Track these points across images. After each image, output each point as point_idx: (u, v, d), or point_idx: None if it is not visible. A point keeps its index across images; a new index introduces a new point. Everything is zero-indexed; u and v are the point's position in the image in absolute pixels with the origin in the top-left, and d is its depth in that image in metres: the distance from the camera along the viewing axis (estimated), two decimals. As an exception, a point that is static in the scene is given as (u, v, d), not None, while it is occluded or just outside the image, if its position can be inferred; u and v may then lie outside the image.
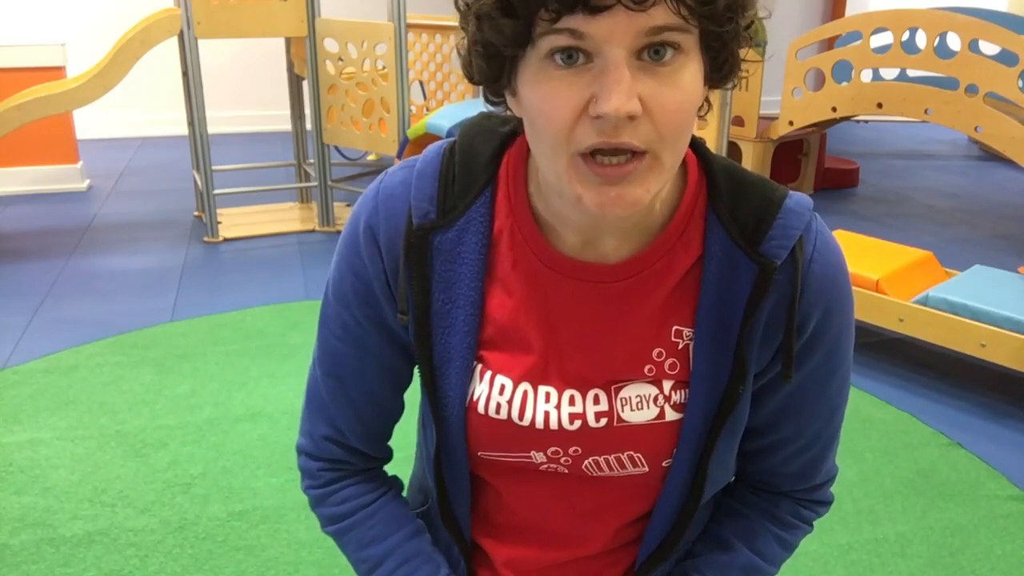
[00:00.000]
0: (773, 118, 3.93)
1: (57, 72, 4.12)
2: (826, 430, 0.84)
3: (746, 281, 0.73)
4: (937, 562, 1.80)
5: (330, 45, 3.65)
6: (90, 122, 5.20)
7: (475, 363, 0.78)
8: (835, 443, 0.86)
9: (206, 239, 3.72)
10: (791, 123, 3.73)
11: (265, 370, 2.56)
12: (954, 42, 3.13)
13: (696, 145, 0.77)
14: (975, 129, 3.08)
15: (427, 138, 3.17)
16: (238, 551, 1.79)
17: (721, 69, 0.68)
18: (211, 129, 3.73)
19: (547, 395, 0.77)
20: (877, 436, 2.27)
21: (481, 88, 0.73)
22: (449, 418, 0.79)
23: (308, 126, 4.02)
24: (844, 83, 3.47)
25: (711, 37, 0.64)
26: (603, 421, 0.76)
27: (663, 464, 0.78)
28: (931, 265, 2.73)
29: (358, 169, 4.62)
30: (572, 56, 0.62)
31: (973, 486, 2.06)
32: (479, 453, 0.81)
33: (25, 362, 2.59)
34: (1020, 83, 2.93)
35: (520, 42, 0.63)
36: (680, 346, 0.76)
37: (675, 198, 0.75)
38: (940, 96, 3.16)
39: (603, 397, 0.77)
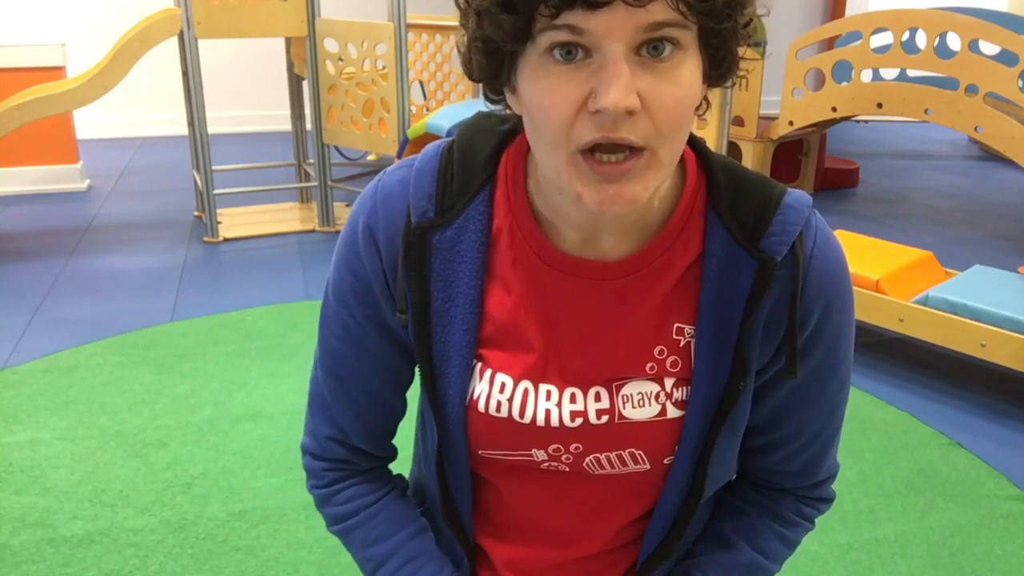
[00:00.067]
0: (773, 118, 3.93)
1: (57, 72, 4.12)
2: (827, 427, 0.84)
3: (746, 278, 0.73)
4: (937, 562, 1.80)
5: (330, 45, 3.65)
6: (90, 122, 5.20)
7: (475, 361, 0.78)
8: (836, 440, 0.86)
9: (206, 239, 3.72)
10: (791, 123, 3.73)
11: (265, 370, 2.56)
12: (954, 42, 3.13)
13: (695, 143, 0.77)
14: (975, 129, 3.08)
15: (427, 138, 3.17)
16: (238, 551, 1.79)
17: (720, 67, 0.68)
18: (211, 129, 3.74)
19: (548, 393, 0.77)
20: (877, 436, 2.27)
21: (481, 88, 0.73)
22: (449, 417, 0.79)
23: (308, 126, 4.02)
24: (844, 83, 3.47)
25: (710, 34, 0.64)
26: (604, 418, 0.77)
27: (664, 461, 0.79)
28: (931, 265, 2.73)
29: (358, 169, 4.62)
30: (571, 52, 0.62)
31: (973, 486, 2.06)
32: (480, 452, 0.81)
33: (25, 362, 2.59)
34: (1020, 83, 2.93)
35: (520, 38, 0.63)
36: (682, 343, 0.76)
37: (674, 196, 0.75)
38: (940, 96, 3.16)
39: (604, 394, 0.77)
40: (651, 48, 0.61)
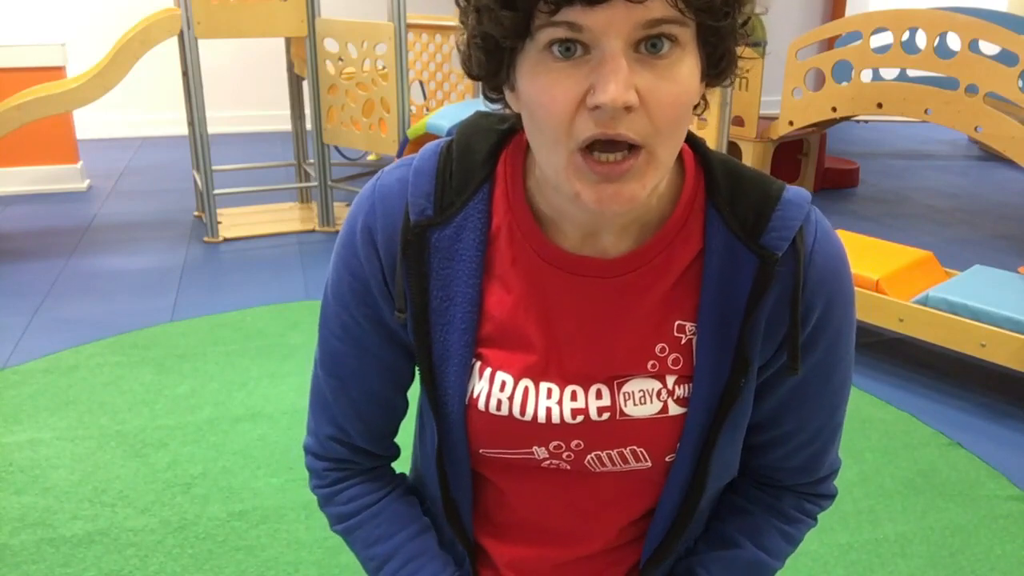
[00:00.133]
0: (773, 118, 3.93)
1: (57, 72, 4.12)
2: (829, 423, 0.84)
3: (747, 274, 0.74)
4: (937, 562, 1.80)
5: (330, 45, 3.65)
6: (90, 122, 5.20)
7: (474, 360, 0.78)
8: (838, 436, 0.86)
9: (206, 239, 3.72)
10: (791, 123, 3.73)
11: (265, 370, 2.56)
12: (954, 42, 3.13)
13: (693, 141, 0.77)
14: (975, 129, 3.08)
15: (427, 138, 3.17)
16: (238, 551, 1.79)
17: (718, 65, 0.68)
18: (211, 129, 3.74)
19: (549, 391, 0.77)
20: (877, 436, 2.27)
21: (481, 88, 0.73)
22: (449, 416, 0.79)
23: (308, 126, 4.02)
24: (844, 83, 3.47)
25: (708, 32, 0.65)
26: (605, 415, 0.77)
27: (666, 459, 0.78)
28: (931, 265, 2.73)
29: (358, 169, 4.62)
30: (570, 49, 0.62)
31: (973, 486, 2.06)
32: (480, 450, 0.81)
33: (25, 362, 2.59)
34: (1020, 83, 2.92)
35: (519, 34, 0.63)
36: (683, 341, 0.76)
37: (673, 193, 0.76)
38: (940, 96, 3.15)
39: (605, 391, 0.77)
40: (649, 45, 0.62)
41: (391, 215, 0.77)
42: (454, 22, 0.72)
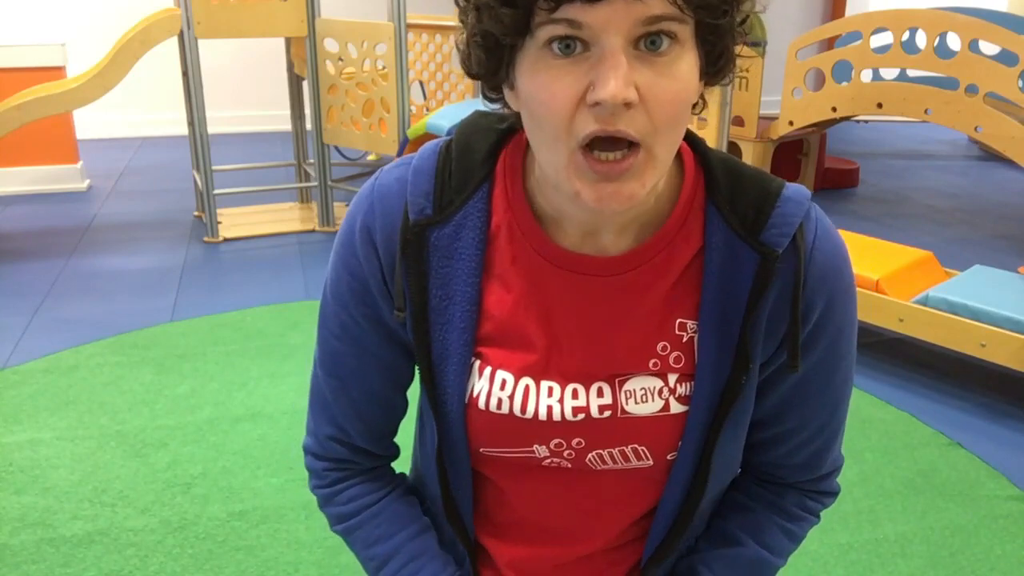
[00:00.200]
0: (773, 118, 3.93)
1: (57, 72, 4.12)
2: (831, 421, 0.84)
3: (748, 272, 0.74)
4: (937, 562, 1.80)
5: (330, 45, 3.65)
6: (90, 122, 5.20)
7: (473, 359, 0.78)
8: (840, 434, 0.86)
9: (206, 239, 3.72)
10: (791, 123, 3.73)
11: (265, 370, 2.56)
12: (954, 42, 3.13)
13: (692, 139, 0.77)
14: (975, 129, 3.08)
15: (427, 138, 3.17)
16: (238, 551, 1.79)
17: (716, 63, 0.68)
18: (211, 129, 3.74)
19: (550, 389, 0.77)
20: (877, 436, 2.27)
21: (480, 88, 0.73)
22: (449, 415, 0.79)
23: (308, 126, 4.02)
24: (844, 83, 3.47)
25: (707, 30, 0.65)
26: (607, 413, 0.76)
27: (668, 457, 0.78)
28: (931, 265, 2.73)
29: (358, 169, 4.62)
30: (570, 46, 0.62)
31: (973, 486, 2.06)
32: (480, 449, 0.81)
33: (25, 362, 2.59)
34: (1020, 83, 2.93)
35: (519, 31, 0.63)
36: (684, 339, 0.76)
37: (673, 192, 0.76)
38: (940, 96, 3.15)
39: (607, 389, 0.77)
40: (649, 42, 0.62)
41: (390, 214, 0.77)
42: (454, 22, 0.72)
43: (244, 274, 3.36)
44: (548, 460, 0.80)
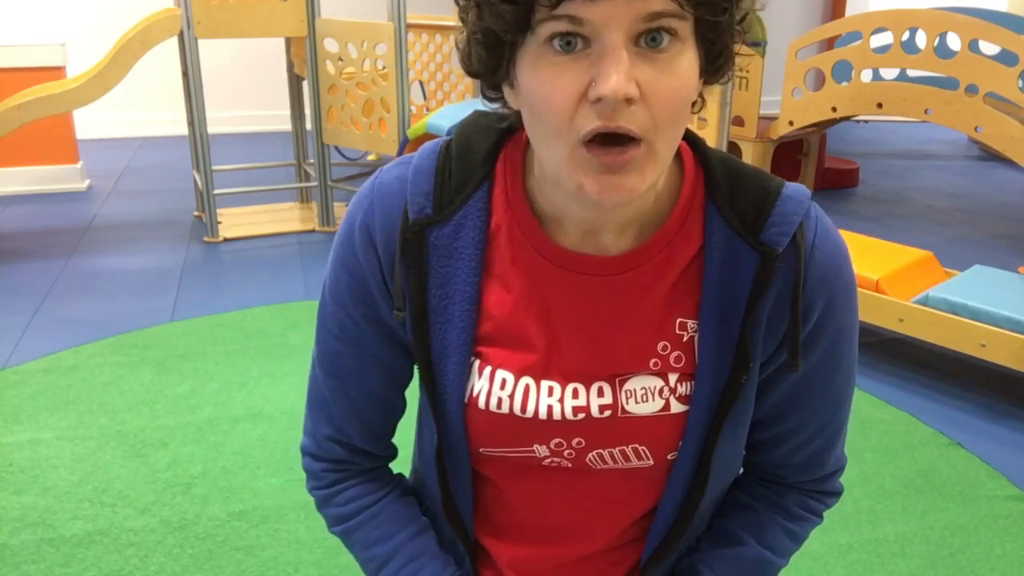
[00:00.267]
0: (773, 118, 3.93)
1: (57, 72, 4.12)
2: (833, 421, 0.83)
3: (748, 271, 0.74)
4: (937, 562, 1.80)
5: (330, 45, 3.65)
6: (90, 122, 5.20)
7: (473, 359, 0.78)
8: (843, 433, 0.86)
9: (206, 239, 3.72)
10: (791, 123, 3.73)
11: (265, 370, 2.56)
12: (954, 42, 3.13)
13: (691, 139, 0.77)
14: (975, 129, 3.08)
15: (427, 138, 3.16)
16: (238, 551, 1.79)
17: (715, 61, 0.68)
18: (211, 129, 3.73)
19: (550, 389, 0.77)
20: (877, 436, 2.27)
21: (480, 88, 0.73)
22: (448, 415, 0.79)
23: (308, 126, 4.02)
24: (844, 83, 3.47)
25: (706, 28, 0.65)
26: (607, 413, 0.76)
27: (668, 457, 0.78)
28: (931, 265, 2.73)
29: (358, 169, 4.62)
30: (571, 42, 0.62)
31: (973, 486, 2.06)
32: (480, 449, 0.81)
33: (25, 362, 2.59)
34: (1020, 83, 2.92)
35: (520, 28, 0.63)
36: (685, 338, 0.76)
37: (673, 191, 0.76)
38: (940, 96, 3.15)
39: (607, 389, 0.77)
40: (649, 39, 0.62)
41: (389, 214, 0.77)
42: (454, 22, 0.72)
43: (244, 274, 3.36)
44: (548, 460, 0.80)
